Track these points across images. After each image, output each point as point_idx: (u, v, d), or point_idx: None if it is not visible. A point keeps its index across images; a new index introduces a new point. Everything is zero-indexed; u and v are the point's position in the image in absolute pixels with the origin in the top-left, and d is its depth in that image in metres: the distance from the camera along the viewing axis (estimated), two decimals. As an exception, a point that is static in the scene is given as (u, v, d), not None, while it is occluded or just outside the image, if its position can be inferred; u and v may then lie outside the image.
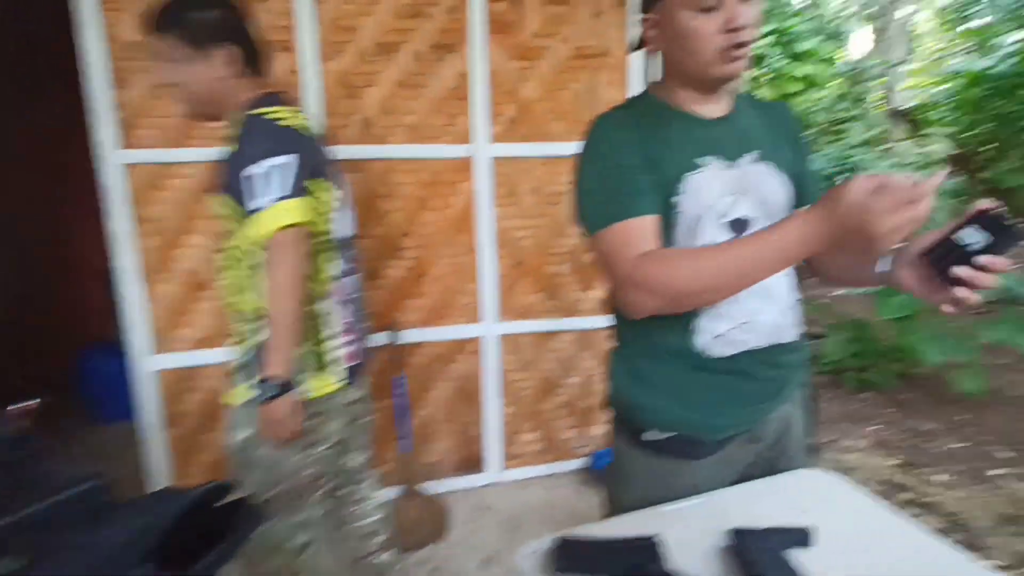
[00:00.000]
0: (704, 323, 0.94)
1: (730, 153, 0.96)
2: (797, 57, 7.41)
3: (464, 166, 2.07)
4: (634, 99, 1.03)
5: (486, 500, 2.28)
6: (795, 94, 7.04)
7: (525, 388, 2.29)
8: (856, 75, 6.47)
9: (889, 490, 2.41)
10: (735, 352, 0.95)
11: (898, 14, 8.11)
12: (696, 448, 0.98)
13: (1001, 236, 0.68)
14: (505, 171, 2.10)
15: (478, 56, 1.99)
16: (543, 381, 2.30)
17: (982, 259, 0.69)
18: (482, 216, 2.11)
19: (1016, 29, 3.90)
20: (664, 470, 1.00)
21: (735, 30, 0.87)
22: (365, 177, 1.97)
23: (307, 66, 1.85)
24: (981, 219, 0.70)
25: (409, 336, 2.13)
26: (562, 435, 2.35)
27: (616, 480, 1.08)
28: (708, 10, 0.88)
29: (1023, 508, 2.27)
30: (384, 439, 2.20)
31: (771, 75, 7.03)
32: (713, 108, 0.98)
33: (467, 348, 2.22)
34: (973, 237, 0.69)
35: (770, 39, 7.44)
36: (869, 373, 3.30)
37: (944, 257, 0.71)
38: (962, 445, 2.73)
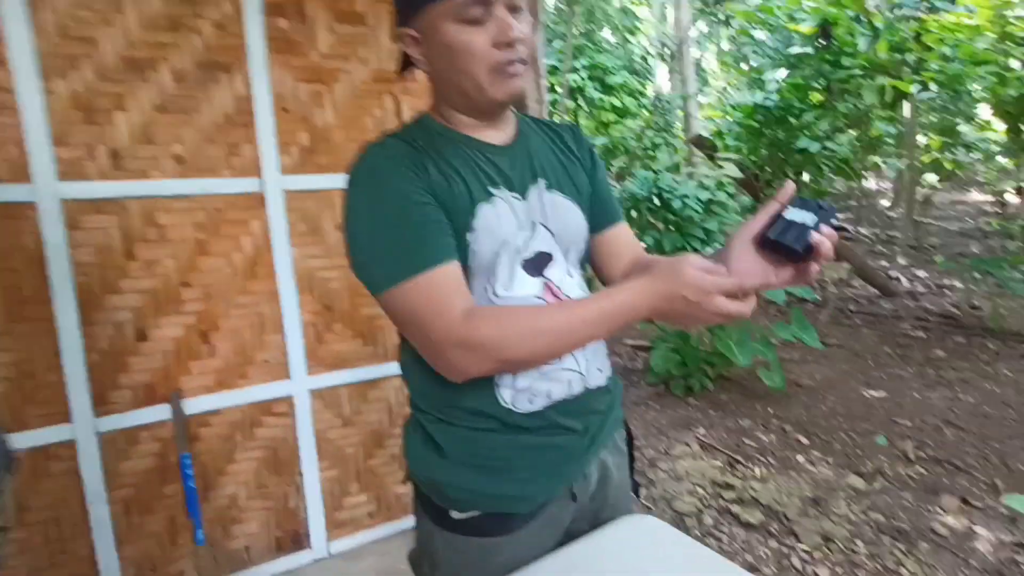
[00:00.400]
0: (506, 377, 0.84)
1: (519, 183, 0.87)
2: (609, 90, 8.05)
3: (253, 202, 1.82)
4: (410, 125, 0.89)
5: (312, 580, 1.99)
6: (610, 124, 7.62)
7: (348, 446, 2.06)
8: (661, 107, 7.17)
9: (717, 491, 2.53)
10: (542, 407, 0.85)
11: (689, 54, 9.17)
12: (509, 522, 0.87)
13: (821, 213, 0.73)
14: (302, 206, 1.88)
15: (260, 77, 1.77)
16: (369, 435, 2.09)
17: (818, 234, 0.71)
18: (280, 258, 1.86)
19: (779, 68, 4.52)
20: (477, 551, 0.87)
21: (509, 44, 0.78)
22: (119, 220, 1.64)
23: (22, 83, 1.49)
24: (797, 202, 0.74)
25: (198, 405, 1.80)
26: (395, 491, 2.14)
27: (425, 565, 0.92)
28: (475, 22, 0.77)
29: (821, 490, 2.50)
30: (176, 532, 1.83)
31: (587, 106, 7.54)
32: (497, 134, 0.88)
33: (275, 409, 1.94)
34: (801, 216, 0.72)
35: (585, 72, 8.01)
36: (692, 380, 3.52)
37: (783, 235, 0.72)
38: (772, 437, 2.98)
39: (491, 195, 0.83)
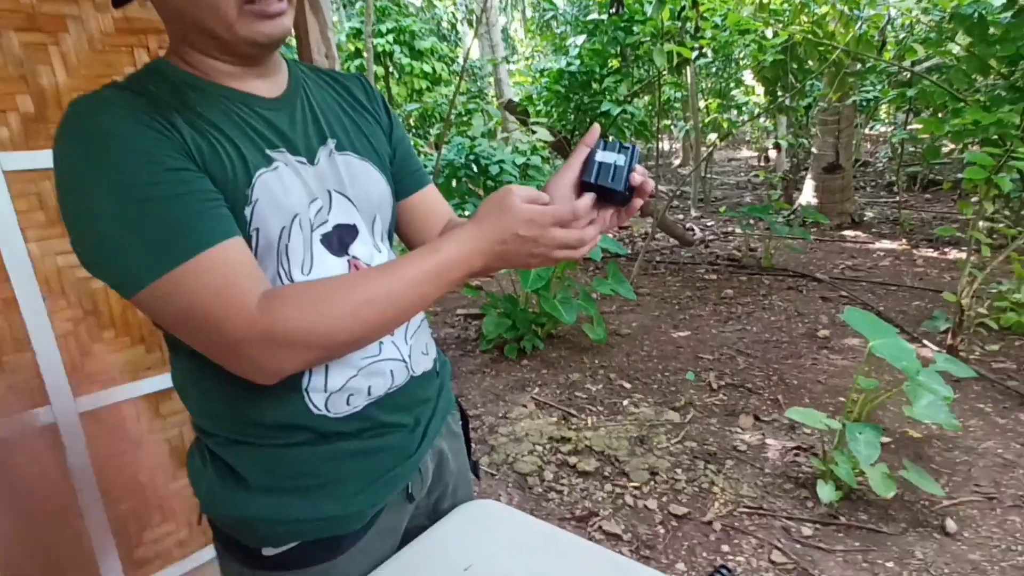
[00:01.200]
0: (315, 379, 0.70)
1: (304, 144, 0.72)
2: (418, 55, 7.83)
3: (-39, 188, 1.41)
4: (141, 73, 0.69)
5: (112, 633, 1.68)
6: (423, 90, 7.44)
7: (141, 470, 1.74)
8: (472, 72, 7.14)
9: (555, 446, 2.63)
10: (362, 406, 0.74)
11: (496, 20, 9.24)
12: (337, 545, 0.75)
13: (629, 154, 0.72)
14: (35, 189, 1.50)
15: (-54, 24, 1.35)
16: (168, 452, 1.79)
17: (635, 173, 0.70)
18: (11, 257, 1.47)
19: (580, 34, 4.71)
20: None
21: None
22: None
23: None
24: (602, 144, 0.72)
25: (-90, 455, 1.38)
26: (210, 510, 1.88)
27: None
28: None
29: (645, 428, 2.72)
30: None
31: (397, 72, 7.26)
32: (262, 84, 0.71)
33: (34, 445, 1.56)
34: (611, 157, 0.70)
35: (391, 37, 7.68)
36: (524, 342, 3.60)
37: (602, 178, 0.69)
38: (599, 387, 3.17)
39: (271, 160, 0.67)
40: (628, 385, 3.17)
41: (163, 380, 1.75)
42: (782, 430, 2.65)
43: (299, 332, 0.60)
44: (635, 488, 2.34)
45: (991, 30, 2.93)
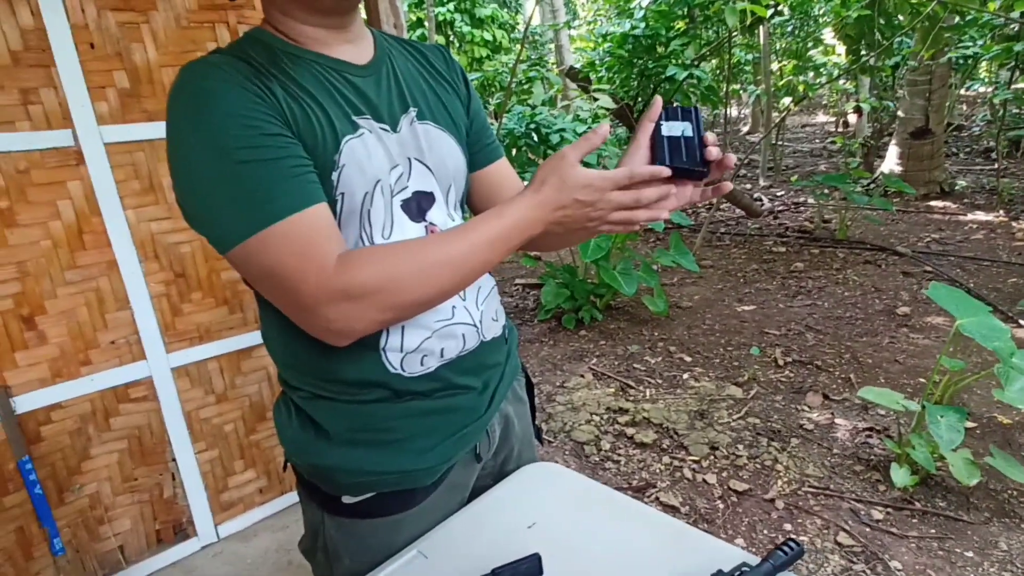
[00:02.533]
0: (392, 339, 0.73)
1: (388, 112, 0.74)
2: (479, 23, 7.75)
3: (67, 159, 1.52)
4: (240, 41, 0.71)
5: (205, 570, 1.84)
6: (483, 59, 7.38)
7: (226, 423, 1.88)
8: (533, 39, 7.02)
9: (612, 417, 2.64)
10: (435, 367, 0.76)
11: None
12: (411, 498, 0.79)
13: (694, 121, 0.68)
14: (131, 160, 1.61)
15: (51, 4, 1.44)
16: (248, 408, 1.91)
17: (711, 146, 0.66)
18: (112, 222, 1.59)
19: (646, -6, 4.52)
20: (377, 532, 0.79)
21: None
22: None
23: None
24: (667, 113, 0.68)
25: (31, 401, 1.54)
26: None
27: (319, 555, 0.82)
28: None
29: (706, 403, 2.68)
30: (30, 544, 1.60)
31: (458, 41, 7.22)
32: (351, 50, 0.74)
33: (133, 394, 1.71)
34: (677, 128, 0.67)
35: (452, 5, 7.62)
36: (582, 312, 3.60)
37: (675, 158, 0.66)
38: (659, 359, 3.14)
39: (357, 126, 0.70)
40: (689, 359, 3.12)
41: (244, 339, 1.86)
42: (853, 410, 2.56)
43: (371, 290, 0.62)
44: (694, 462, 2.33)
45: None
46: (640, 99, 4.81)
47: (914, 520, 1.98)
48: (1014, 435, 2.34)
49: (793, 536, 1.96)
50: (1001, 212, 5.14)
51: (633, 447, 2.43)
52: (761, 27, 5.18)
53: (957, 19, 4.03)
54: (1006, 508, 1.99)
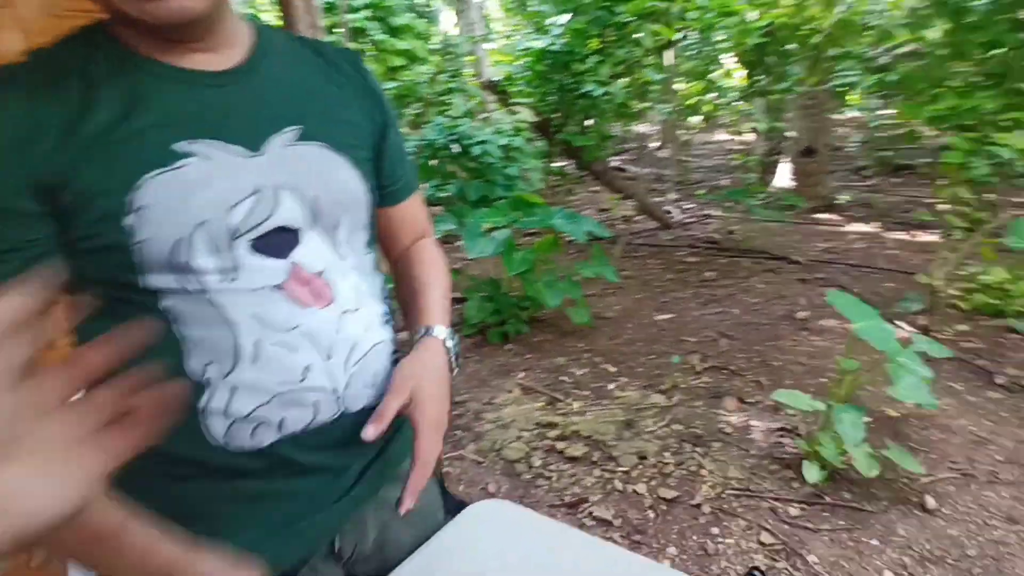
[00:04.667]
0: (216, 399, 0.60)
1: (246, 130, 0.61)
2: (394, 32, 7.64)
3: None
4: (67, 41, 0.60)
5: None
6: (399, 68, 7.28)
7: None
8: (450, 51, 7.01)
9: (542, 431, 2.63)
10: (270, 441, 0.62)
11: (472, -2, 9.06)
12: None
13: None
14: None
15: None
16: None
17: None
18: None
19: (562, 12, 4.64)
20: None
21: None
22: None
23: None
24: None
25: None
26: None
27: None
28: None
29: (632, 412, 2.74)
30: None
31: (373, 49, 7.08)
32: (209, 58, 0.61)
33: None
34: None
35: (366, 12, 7.47)
36: (508, 326, 3.59)
37: None
38: (585, 371, 3.18)
39: (178, 156, 0.57)
40: (613, 368, 3.19)
41: None
42: (766, 412, 2.70)
43: None
44: (624, 472, 2.36)
45: (970, 16, 2.98)
46: (559, 113, 4.90)
47: (825, 514, 2.11)
48: (902, 427, 2.56)
49: (719, 541, 2.03)
50: (876, 223, 5.67)
51: (564, 462, 2.44)
52: (667, 50, 5.46)
53: (838, 50, 4.43)
54: (901, 496, 2.16)
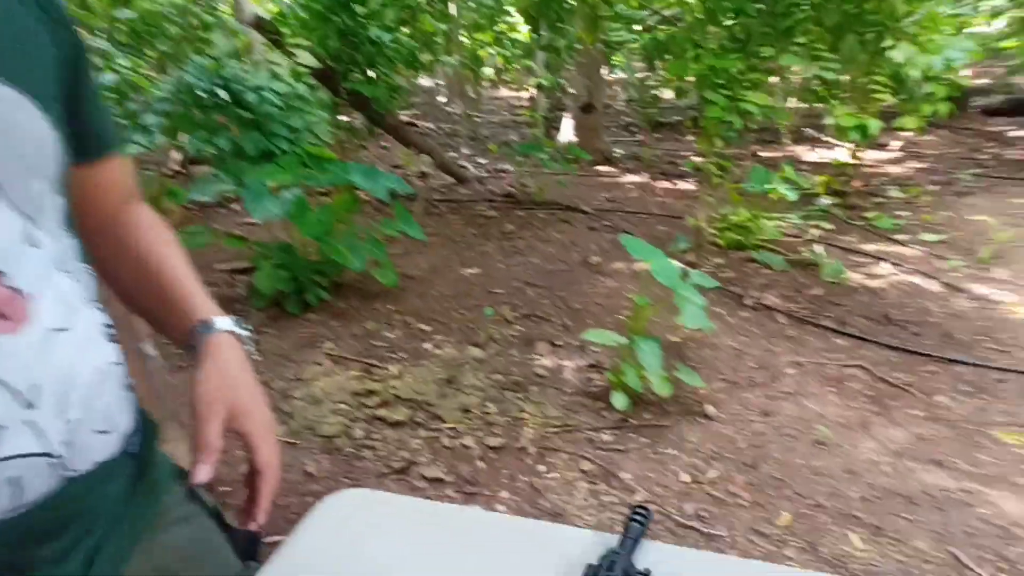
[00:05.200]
0: None
1: None
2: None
3: None
4: None
5: None
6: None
7: None
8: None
9: (360, 401, 2.48)
10: None
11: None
12: None
13: None
14: None
15: None
16: None
17: None
18: None
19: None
20: None
21: None
22: None
23: None
24: None
25: None
26: None
27: None
28: None
29: (452, 369, 2.72)
30: None
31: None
32: None
33: None
34: None
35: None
36: (307, 294, 3.28)
37: None
38: (398, 333, 3.06)
39: None
40: (427, 327, 3.12)
41: None
42: (575, 351, 2.88)
43: None
44: (450, 429, 2.33)
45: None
46: (342, 59, 4.51)
47: (632, 435, 2.33)
48: (683, 350, 2.93)
49: (546, 477, 2.12)
50: (645, 175, 6.37)
51: (388, 428, 2.32)
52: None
53: (611, 10, 4.76)
54: (688, 409, 2.48)
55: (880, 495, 2.03)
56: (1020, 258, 4.02)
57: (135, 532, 0.56)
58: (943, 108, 4.33)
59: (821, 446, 2.27)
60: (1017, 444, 2.28)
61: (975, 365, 2.80)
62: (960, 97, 5.43)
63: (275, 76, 3.64)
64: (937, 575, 1.73)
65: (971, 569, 1.74)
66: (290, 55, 3.84)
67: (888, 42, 3.76)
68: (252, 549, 0.67)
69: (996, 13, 6.45)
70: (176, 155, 5.31)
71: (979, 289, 3.59)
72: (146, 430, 0.60)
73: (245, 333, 0.65)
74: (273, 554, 0.66)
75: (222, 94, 3.45)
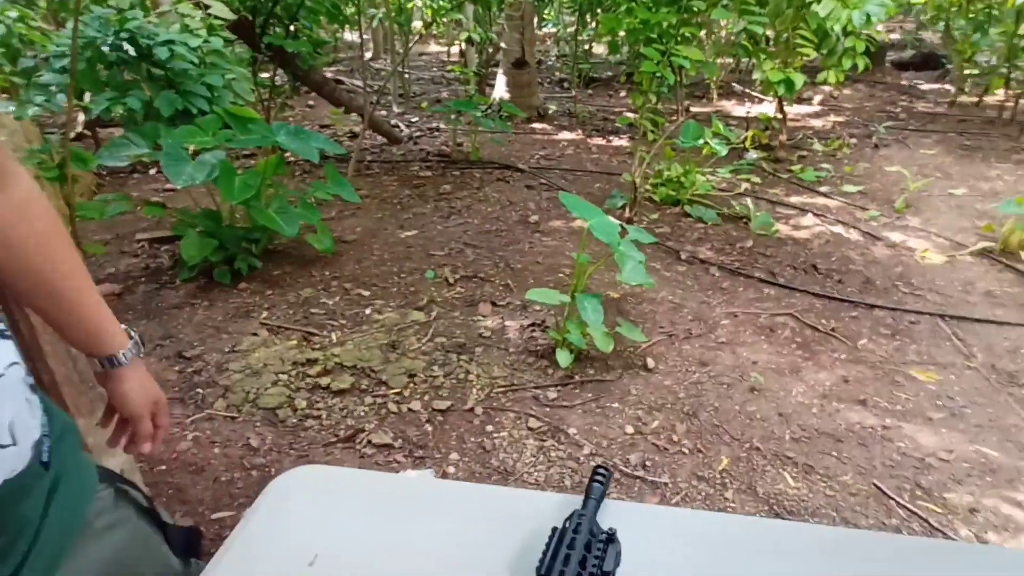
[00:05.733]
0: None
1: None
2: None
3: None
4: None
5: None
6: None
7: None
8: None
9: (301, 371, 2.40)
10: None
11: None
12: None
13: None
14: None
15: None
16: None
17: None
18: None
19: None
20: None
21: None
22: None
23: None
24: None
25: None
26: None
27: None
28: None
29: (394, 333, 2.67)
30: None
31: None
32: None
33: None
34: None
35: None
36: (238, 262, 3.13)
37: None
38: (336, 299, 2.97)
39: None
40: (367, 293, 3.04)
41: None
42: (517, 311, 2.88)
43: None
44: (396, 394, 2.31)
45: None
46: (259, 12, 4.20)
47: (577, 391, 2.38)
48: (623, 305, 2.99)
49: (494, 436, 2.14)
50: (579, 131, 6.35)
51: (332, 396, 2.27)
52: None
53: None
54: (630, 363, 2.55)
55: (810, 435, 2.17)
56: (930, 206, 4.31)
57: (57, 550, 0.51)
58: (861, 62, 4.51)
59: (755, 392, 2.39)
60: (929, 380, 2.48)
61: (892, 309, 3.00)
62: (876, 51, 5.67)
63: (187, 29, 3.34)
64: (862, 506, 1.87)
65: (892, 498, 1.89)
66: (203, 7, 3.53)
67: (812, -3, 3.84)
68: (192, 545, 0.64)
69: (909, -30, 6.71)
70: (81, 116, 4.85)
71: (895, 237, 3.83)
72: (62, 433, 0.54)
73: (139, 340, 0.73)
74: (226, 540, 0.62)
75: (129, 49, 3.15)
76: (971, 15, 6.48)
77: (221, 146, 2.90)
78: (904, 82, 8.73)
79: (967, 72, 7.12)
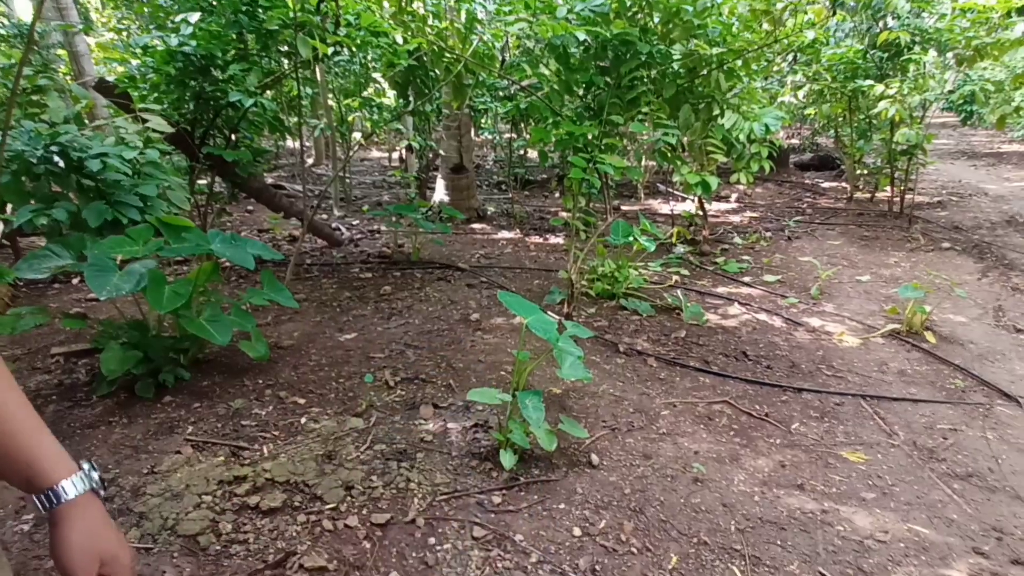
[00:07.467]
0: None
1: None
2: (-64, 6, 5.62)
3: None
4: None
5: None
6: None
7: None
8: (34, 40, 5.47)
9: (228, 490, 2.24)
10: None
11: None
12: None
13: None
14: None
15: None
16: None
17: None
18: None
19: (190, 10, 4.05)
20: None
21: None
22: None
23: None
24: None
25: None
26: None
27: None
28: None
29: (331, 443, 2.56)
30: None
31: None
32: None
33: None
34: None
35: None
36: (163, 374, 2.97)
37: None
38: (269, 409, 2.85)
39: None
40: (303, 400, 2.93)
41: None
42: (460, 412, 2.84)
43: None
44: (331, 510, 2.18)
45: (571, 60, 3.70)
46: (201, 124, 4.29)
47: (522, 493, 2.31)
48: (565, 400, 3.00)
49: (437, 549, 2.03)
50: (518, 231, 6.61)
51: (261, 517, 2.12)
52: (318, 64, 5.33)
53: (476, 78, 4.99)
54: (574, 460, 2.52)
55: (754, 524, 2.17)
56: (841, 292, 4.65)
57: None
58: (767, 165, 5.00)
59: (699, 483, 2.40)
60: (859, 461, 2.56)
61: (818, 392, 3.14)
62: (780, 155, 6.29)
63: (122, 141, 3.36)
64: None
65: (833, 584, 1.89)
66: (141, 120, 3.58)
67: (716, 111, 4.29)
68: None
69: (798, 87, 7.63)
70: (1, 227, 4.67)
71: (814, 322, 4.08)
72: None
73: (96, 476, 0.64)
74: None
75: (59, 161, 3.12)
76: (855, 124, 7.35)
77: (152, 255, 2.85)
78: (807, 181, 9.65)
79: (858, 172, 7.98)
